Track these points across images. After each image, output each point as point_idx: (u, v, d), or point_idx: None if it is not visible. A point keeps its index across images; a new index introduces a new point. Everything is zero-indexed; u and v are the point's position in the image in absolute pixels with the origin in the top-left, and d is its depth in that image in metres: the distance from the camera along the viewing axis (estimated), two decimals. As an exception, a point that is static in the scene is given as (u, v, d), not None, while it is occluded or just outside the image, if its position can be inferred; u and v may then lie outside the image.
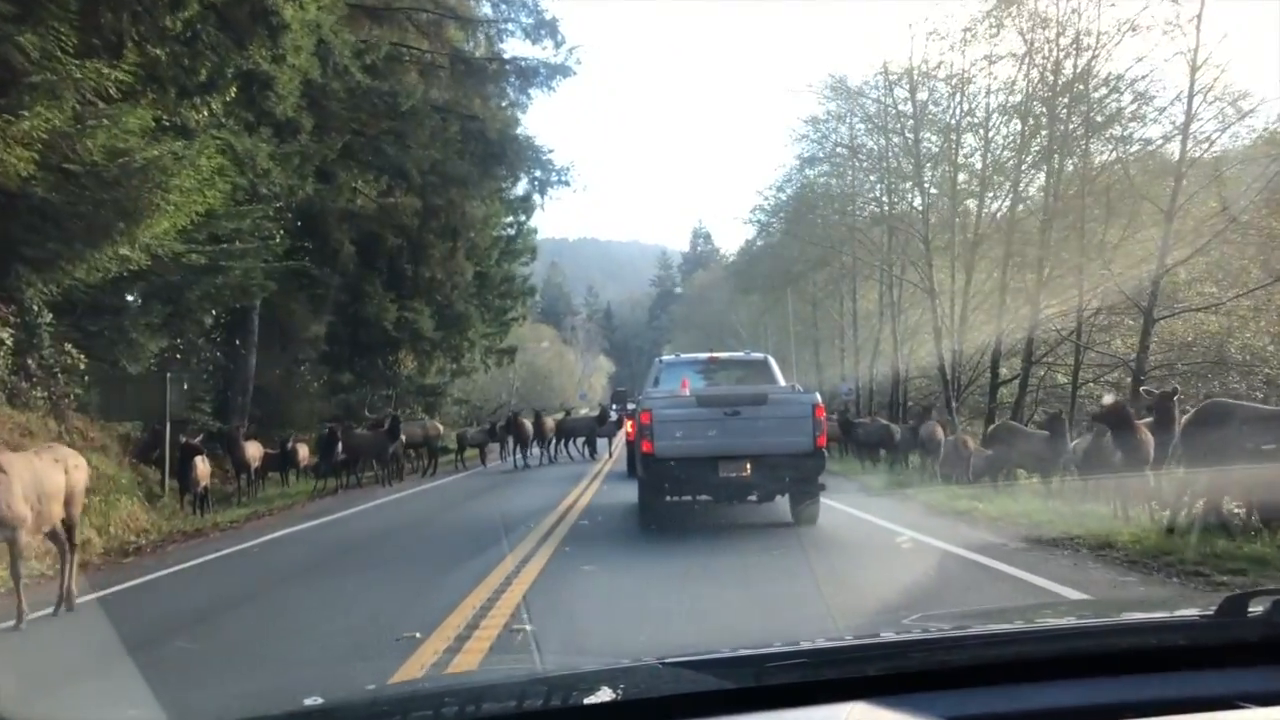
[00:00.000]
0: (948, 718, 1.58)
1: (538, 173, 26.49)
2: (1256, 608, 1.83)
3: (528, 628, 5.92)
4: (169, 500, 13.77)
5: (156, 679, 4.58)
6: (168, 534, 11.18)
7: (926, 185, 28.64)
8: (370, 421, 22.90)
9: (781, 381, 12.85)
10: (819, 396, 10.81)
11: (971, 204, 28.50)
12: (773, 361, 13.62)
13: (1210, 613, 1.89)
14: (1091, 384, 23.53)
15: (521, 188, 34.63)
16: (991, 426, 13.68)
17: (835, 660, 1.86)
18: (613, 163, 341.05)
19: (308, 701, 1.84)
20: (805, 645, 1.95)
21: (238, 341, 22.07)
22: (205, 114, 13.30)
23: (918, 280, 29.45)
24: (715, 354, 14.99)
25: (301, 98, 19.27)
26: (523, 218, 40.62)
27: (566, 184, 27.05)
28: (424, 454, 24.20)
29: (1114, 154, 21.66)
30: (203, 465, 13.74)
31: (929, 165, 28.74)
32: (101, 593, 7.91)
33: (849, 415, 24.32)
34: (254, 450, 16.50)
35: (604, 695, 1.69)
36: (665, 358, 15.03)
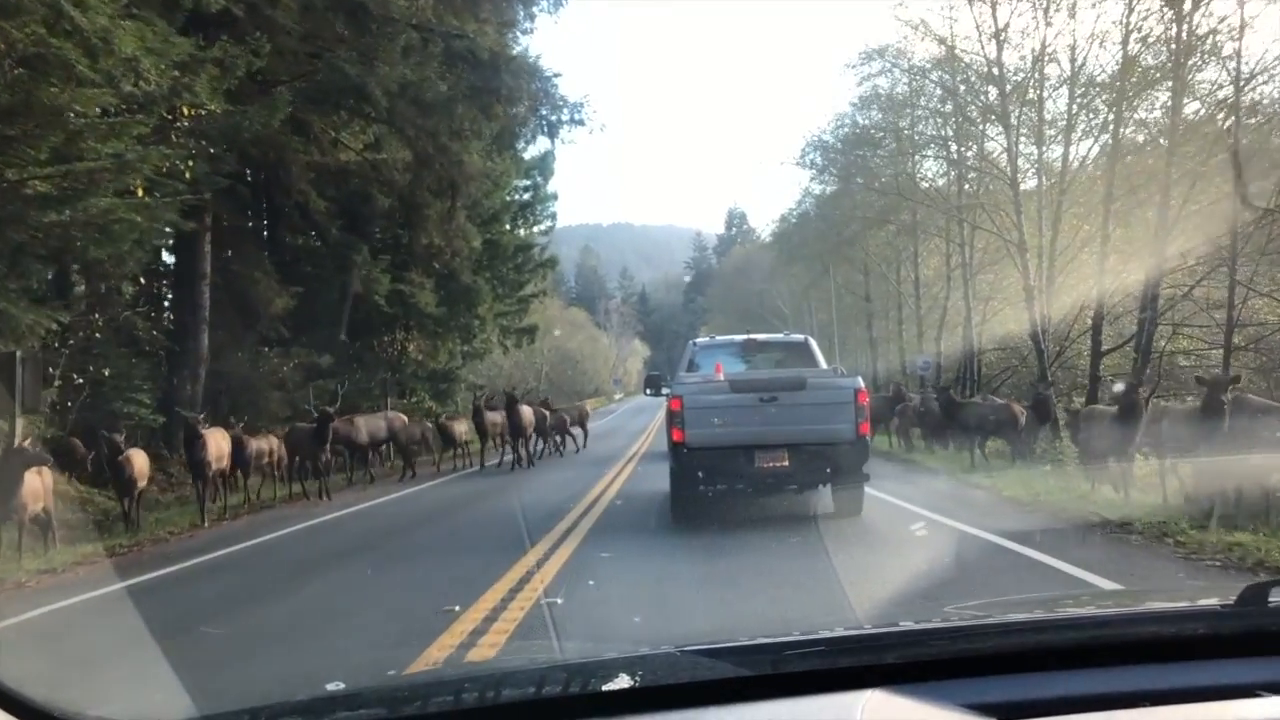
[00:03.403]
0: (966, 705, 1.53)
1: (545, 111, 21.97)
2: (1277, 597, 1.80)
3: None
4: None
5: None
6: None
7: (1011, 118, 23.81)
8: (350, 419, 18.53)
9: (823, 364, 12.32)
10: (861, 380, 10.34)
11: (1057, 148, 23.93)
12: (813, 343, 13.07)
13: (1230, 602, 1.85)
14: (1241, 350, 18.77)
15: (536, 147, 30.50)
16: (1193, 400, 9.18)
17: (853, 649, 1.82)
18: (646, 145, 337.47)
19: (330, 687, 1.90)
20: (824, 634, 1.89)
21: (169, 317, 17.93)
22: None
23: (996, 231, 24.96)
24: (753, 335, 14.22)
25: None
26: (539, 179, 36.35)
27: (580, 123, 22.55)
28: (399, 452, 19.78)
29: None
30: (35, 479, 9.45)
31: (1014, 96, 23.89)
32: None
33: (952, 393, 18.88)
34: (141, 462, 12.10)
35: (622, 682, 1.68)
36: (699, 340, 14.06)
